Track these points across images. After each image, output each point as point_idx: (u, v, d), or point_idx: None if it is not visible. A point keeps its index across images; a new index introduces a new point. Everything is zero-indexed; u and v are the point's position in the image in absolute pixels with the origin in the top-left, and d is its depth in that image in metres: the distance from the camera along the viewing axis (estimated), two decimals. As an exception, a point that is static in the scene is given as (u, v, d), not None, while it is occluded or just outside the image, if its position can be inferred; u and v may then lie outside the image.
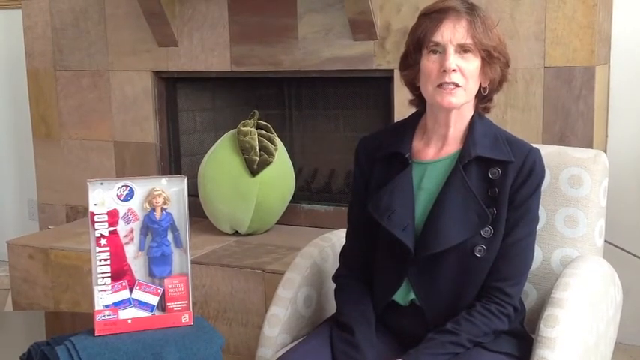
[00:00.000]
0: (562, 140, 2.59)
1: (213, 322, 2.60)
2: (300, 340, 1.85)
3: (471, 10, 1.62)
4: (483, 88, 1.66)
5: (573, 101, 2.59)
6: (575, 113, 2.59)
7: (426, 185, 1.66)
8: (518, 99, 2.66)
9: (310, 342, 1.74)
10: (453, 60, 1.58)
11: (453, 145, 1.67)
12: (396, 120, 2.89)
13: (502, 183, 1.61)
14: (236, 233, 3.06)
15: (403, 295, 1.69)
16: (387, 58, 2.85)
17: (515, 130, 2.64)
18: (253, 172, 2.91)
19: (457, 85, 1.59)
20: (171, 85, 3.42)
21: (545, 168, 1.73)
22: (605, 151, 2.67)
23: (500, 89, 1.72)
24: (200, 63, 3.22)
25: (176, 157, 3.47)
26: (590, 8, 2.51)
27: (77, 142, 3.57)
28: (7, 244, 3.16)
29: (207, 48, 3.19)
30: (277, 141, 3.01)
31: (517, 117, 2.67)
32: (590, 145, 2.54)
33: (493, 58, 1.62)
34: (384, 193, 1.65)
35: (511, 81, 2.63)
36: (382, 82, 2.94)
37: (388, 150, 1.71)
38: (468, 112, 1.68)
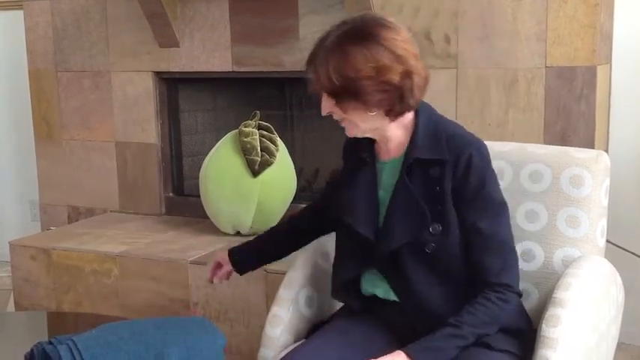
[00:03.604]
0: (563, 140, 2.59)
1: (214, 323, 2.60)
2: (302, 341, 1.85)
3: (325, 52, 1.60)
4: (387, 110, 1.62)
5: (575, 101, 2.59)
6: (576, 113, 2.59)
7: (386, 184, 1.71)
8: (519, 99, 2.66)
9: (314, 342, 1.75)
10: (324, 106, 1.65)
11: (400, 147, 1.71)
12: (397, 120, 2.89)
13: (442, 180, 1.64)
14: (238, 234, 3.06)
15: (384, 293, 1.74)
16: (388, 58, 2.85)
17: (516, 130, 2.66)
18: (255, 173, 2.91)
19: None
20: (173, 86, 3.42)
21: (549, 165, 1.73)
22: (606, 151, 2.67)
23: (420, 93, 1.65)
24: (201, 63, 3.22)
25: (177, 158, 3.48)
26: (592, 8, 2.51)
27: (79, 143, 3.58)
28: (9, 244, 3.17)
29: (209, 49, 3.19)
30: (279, 141, 3.01)
31: (518, 117, 2.67)
32: (591, 145, 2.54)
33: (352, 95, 1.58)
34: (347, 191, 1.74)
35: (512, 81, 2.66)
36: (383, 82, 2.94)
37: (355, 152, 1.77)
38: (398, 123, 1.67)
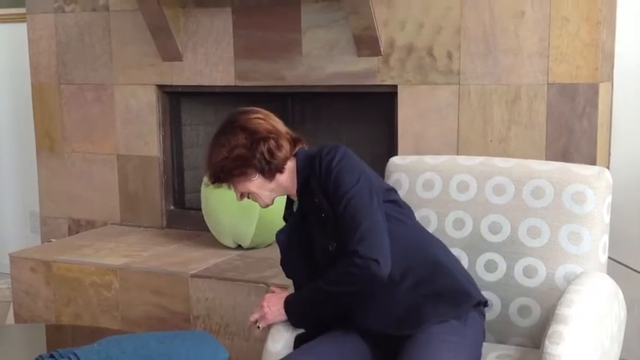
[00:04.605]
0: (565, 157, 2.59)
1: (215, 337, 2.59)
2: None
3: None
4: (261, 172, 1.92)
5: (577, 118, 2.59)
6: (578, 130, 2.60)
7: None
8: (521, 116, 2.67)
9: (319, 344, 1.80)
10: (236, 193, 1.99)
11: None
12: (399, 136, 2.90)
13: (318, 193, 1.87)
14: (239, 247, 3.06)
15: None
16: (390, 74, 2.86)
17: (518, 147, 2.67)
18: (256, 187, 2.91)
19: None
20: (175, 99, 3.43)
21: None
22: (608, 168, 2.67)
23: (273, 157, 1.90)
24: (204, 77, 3.23)
25: (179, 171, 3.48)
26: (594, 26, 2.53)
27: (80, 155, 3.58)
28: (9, 256, 3.16)
29: (212, 63, 3.21)
30: (281, 155, 3.01)
31: (520, 134, 2.68)
32: (593, 162, 2.55)
33: (225, 177, 1.93)
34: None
35: (515, 97, 2.67)
36: (386, 97, 2.95)
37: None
38: (287, 178, 1.93)
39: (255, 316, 1.93)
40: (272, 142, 1.90)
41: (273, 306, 1.91)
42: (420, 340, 1.72)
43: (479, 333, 1.84)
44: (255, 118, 1.94)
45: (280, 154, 1.91)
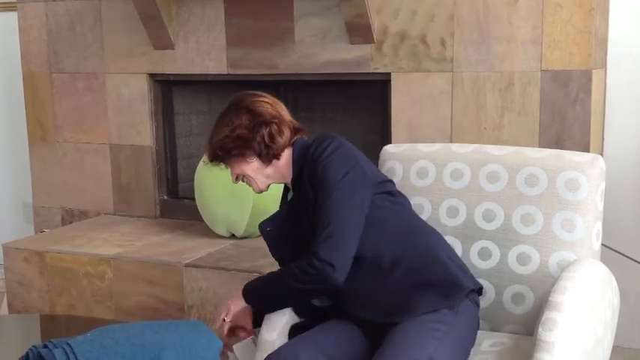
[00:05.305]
0: (559, 144, 2.59)
1: (209, 326, 2.60)
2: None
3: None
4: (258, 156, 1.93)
5: (570, 105, 2.59)
6: (571, 117, 2.59)
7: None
8: (515, 102, 2.67)
9: (314, 333, 1.81)
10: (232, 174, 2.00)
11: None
12: (393, 124, 2.89)
13: (306, 183, 1.88)
14: (232, 236, 3.06)
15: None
16: (383, 61, 2.85)
17: (512, 134, 2.66)
18: (250, 176, 2.90)
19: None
20: (168, 88, 3.41)
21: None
22: (601, 155, 2.68)
23: (273, 142, 1.91)
24: (196, 66, 3.22)
25: (172, 160, 3.47)
26: (587, 12, 2.52)
27: (72, 145, 3.56)
28: (3, 247, 3.15)
29: (204, 51, 3.19)
30: (274, 144, 3.00)
31: (514, 121, 2.67)
32: (586, 149, 2.55)
33: (223, 157, 1.94)
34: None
35: (508, 84, 2.66)
36: (379, 85, 2.94)
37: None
38: (284, 165, 1.94)
39: (222, 316, 1.94)
40: (274, 127, 1.91)
41: (236, 300, 1.95)
42: (406, 327, 1.72)
43: (471, 322, 1.83)
44: (261, 101, 1.95)
45: (280, 140, 1.91)
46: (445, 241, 1.95)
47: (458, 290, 1.80)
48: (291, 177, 1.95)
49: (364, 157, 1.92)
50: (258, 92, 2.00)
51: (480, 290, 1.90)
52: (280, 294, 1.89)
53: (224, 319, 1.93)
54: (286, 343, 1.84)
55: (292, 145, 1.95)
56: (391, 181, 1.98)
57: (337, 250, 1.75)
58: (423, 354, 1.66)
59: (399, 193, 1.97)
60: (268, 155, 1.92)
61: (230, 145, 1.91)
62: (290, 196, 2.00)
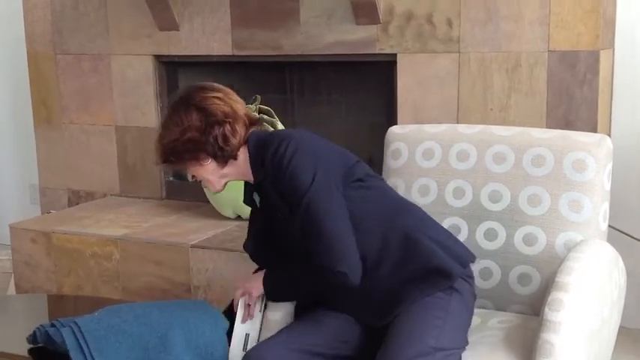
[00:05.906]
0: (566, 124, 2.58)
1: (216, 307, 2.61)
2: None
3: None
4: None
5: (577, 85, 2.58)
6: (579, 97, 2.58)
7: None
8: (522, 83, 2.65)
9: (321, 316, 1.81)
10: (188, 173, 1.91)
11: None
12: (398, 105, 2.88)
13: (271, 195, 1.84)
14: (238, 217, 3.06)
15: None
16: (389, 42, 2.83)
17: (518, 115, 2.65)
18: (255, 157, 2.90)
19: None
20: (173, 69, 3.40)
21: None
22: (609, 135, 2.66)
23: (226, 144, 1.82)
24: (201, 47, 3.20)
25: (178, 142, 3.46)
26: (595, -8, 2.50)
27: (78, 127, 3.56)
28: (10, 227, 3.16)
29: (209, 32, 3.17)
30: (279, 125, 3.00)
31: (521, 101, 2.66)
32: (594, 130, 2.54)
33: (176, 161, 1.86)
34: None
35: (515, 65, 2.65)
36: (385, 66, 2.93)
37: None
38: (241, 163, 1.86)
39: (246, 301, 1.90)
40: (227, 127, 1.81)
41: (255, 285, 1.89)
42: (403, 321, 1.70)
43: (464, 299, 1.79)
44: (212, 97, 1.84)
45: (234, 141, 1.82)
46: (422, 214, 1.88)
47: (446, 278, 1.76)
48: (251, 172, 1.87)
49: (325, 143, 1.85)
50: (209, 85, 1.89)
51: (472, 258, 1.86)
52: (301, 294, 1.88)
53: (249, 304, 1.91)
54: (291, 323, 1.84)
55: (246, 140, 1.86)
56: (360, 161, 1.89)
57: (340, 256, 1.72)
58: (427, 343, 1.65)
59: (368, 173, 1.88)
60: (224, 157, 1.83)
61: (181, 148, 1.82)
62: (257, 199, 1.94)
